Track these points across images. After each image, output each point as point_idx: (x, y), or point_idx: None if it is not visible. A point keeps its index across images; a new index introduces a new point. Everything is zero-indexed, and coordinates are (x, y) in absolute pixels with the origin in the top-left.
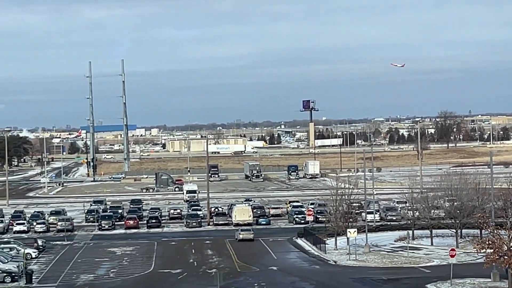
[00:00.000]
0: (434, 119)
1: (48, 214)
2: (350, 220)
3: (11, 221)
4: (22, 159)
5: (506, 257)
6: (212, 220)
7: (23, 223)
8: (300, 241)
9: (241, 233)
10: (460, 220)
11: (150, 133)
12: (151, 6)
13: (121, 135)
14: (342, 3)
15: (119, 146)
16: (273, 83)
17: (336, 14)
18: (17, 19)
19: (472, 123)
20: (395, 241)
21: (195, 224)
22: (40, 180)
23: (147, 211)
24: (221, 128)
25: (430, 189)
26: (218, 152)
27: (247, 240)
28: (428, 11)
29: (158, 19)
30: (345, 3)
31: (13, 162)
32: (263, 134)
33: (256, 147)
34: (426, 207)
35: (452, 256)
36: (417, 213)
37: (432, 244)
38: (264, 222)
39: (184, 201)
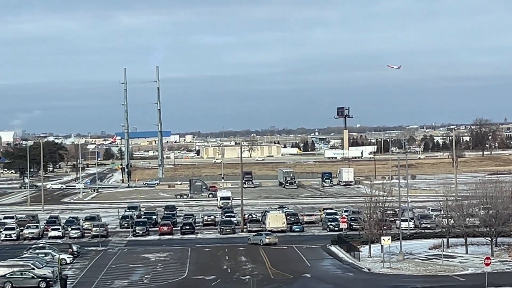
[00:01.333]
0: (469, 127)
1: (82, 220)
2: (384, 227)
3: (46, 227)
4: (57, 165)
5: None
6: (245, 226)
7: (58, 229)
8: (334, 248)
9: (267, 237)
10: (495, 229)
11: (185, 140)
12: (187, 13)
13: (155, 141)
14: (378, 10)
15: (154, 152)
16: (307, 89)
17: (372, 20)
18: (56, 25)
19: (508, 131)
20: (429, 249)
21: (228, 230)
22: (75, 186)
23: (181, 218)
24: (255, 134)
25: (465, 197)
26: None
27: (272, 245)
28: (466, 17)
29: (194, 25)
30: (381, 10)
31: (48, 168)
32: (297, 141)
33: (289, 154)
34: (461, 215)
35: (487, 264)
36: (451, 221)
37: (467, 253)
38: (298, 229)
39: (218, 207)
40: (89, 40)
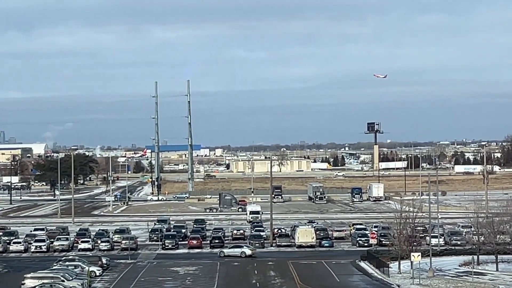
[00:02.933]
0: (500, 143)
1: (112, 233)
2: (414, 243)
3: (76, 239)
4: (88, 178)
5: None
6: (275, 241)
7: (88, 241)
8: (363, 264)
9: (249, 249)
10: None
11: (215, 153)
12: (221, 27)
13: (185, 155)
14: (412, 25)
15: (184, 166)
16: (338, 104)
17: (405, 36)
18: (91, 39)
19: None
20: (459, 266)
21: (258, 244)
22: (105, 199)
23: (211, 231)
24: (285, 149)
25: (495, 214)
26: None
27: (253, 256)
28: (500, 33)
29: (227, 40)
30: (415, 25)
31: (79, 180)
32: (327, 156)
33: (319, 169)
34: (491, 232)
35: None
36: (482, 238)
37: (497, 270)
38: (327, 244)
39: (247, 221)
40: (123, 53)
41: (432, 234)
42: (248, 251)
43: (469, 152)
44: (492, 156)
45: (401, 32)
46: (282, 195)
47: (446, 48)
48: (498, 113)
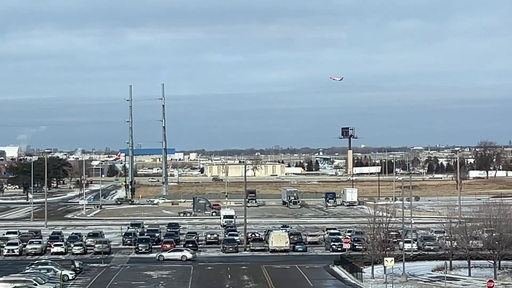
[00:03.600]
0: (473, 149)
1: (85, 236)
2: (388, 248)
3: (49, 243)
4: (61, 181)
5: None
6: (248, 245)
7: (61, 245)
8: (337, 269)
9: (189, 252)
10: (498, 251)
11: (189, 157)
12: (198, 31)
13: (159, 158)
14: (387, 31)
15: (158, 169)
16: (313, 109)
17: (381, 41)
18: (66, 41)
19: None
20: (432, 271)
21: (231, 249)
22: (78, 202)
23: (184, 235)
24: (259, 153)
25: (468, 219)
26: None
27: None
28: (475, 39)
29: (203, 43)
30: (390, 31)
31: (52, 184)
32: (301, 161)
33: (293, 173)
34: (464, 237)
35: (490, 287)
36: (455, 243)
37: (470, 275)
38: (301, 249)
39: (221, 226)
40: (98, 57)
41: (405, 239)
42: (188, 255)
43: (443, 158)
44: (466, 161)
45: (378, 37)
46: (256, 200)
47: (422, 53)
48: (472, 118)
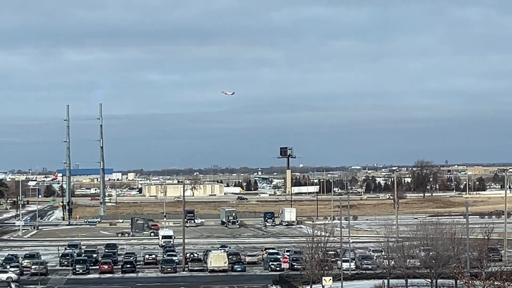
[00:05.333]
0: (410, 168)
1: (22, 258)
2: (326, 268)
3: None
4: None
5: None
6: (187, 266)
7: None
8: None
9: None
10: (435, 270)
11: (127, 177)
12: (134, 51)
13: (97, 178)
14: (324, 51)
15: (96, 190)
16: (252, 128)
17: (317, 61)
18: (2, 60)
19: (449, 173)
20: None
21: (170, 269)
22: (14, 223)
23: (122, 256)
24: (198, 173)
25: (406, 238)
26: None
27: None
28: (411, 59)
29: (140, 63)
30: (328, 51)
31: None
32: (240, 180)
33: (232, 193)
34: (401, 256)
35: None
36: (392, 262)
37: None
38: (240, 269)
39: (159, 246)
40: (35, 76)
41: (343, 258)
42: (14, 276)
43: (380, 177)
44: (403, 181)
45: (314, 57)
46: (195, 220)
47: (358, 73)
48: (409, 138)
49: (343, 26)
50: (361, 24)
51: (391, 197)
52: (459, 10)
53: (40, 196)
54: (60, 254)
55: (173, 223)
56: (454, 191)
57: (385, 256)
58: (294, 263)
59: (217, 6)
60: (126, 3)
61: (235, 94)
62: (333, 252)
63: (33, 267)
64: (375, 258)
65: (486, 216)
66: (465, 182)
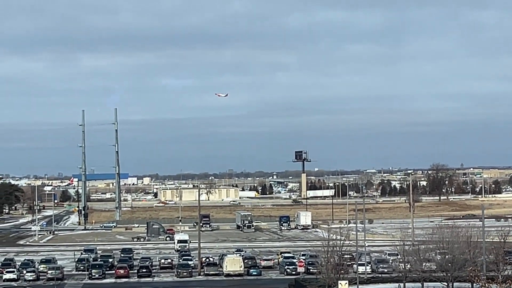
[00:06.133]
0: (426, 172)
1: (38, 263)
2: (342, 271)
3: (0, 269)
4: (13, 207)
5: None
6: (203, 270)
7: (13, 271)
8: None
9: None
10: (451, 273)
11: (142, 182)
12: (150, 56)
13: (113, 183)
14: (340, 55)
15: (111, 194)
16: (267, 132)
17: (333, 65)
18: (18, 65)
19: (464, 176)
20: None
21: (185, 274)
22: (31, 228)
23: (138, 260)
24: (213, 177)
25: (421, 242)
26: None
27: None
28: (426, 63)
29: (156, 68)
30: (343, 54)
31: (4, 210)
32: (255, 184)
33: (247, 197)
34: (417, 259)
35: None
36: (408, 266)
37: None
38: (255, 273)
39: (175, 250)
40: (51, 81)
41: (359, 262)
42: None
43: (396, 181)
44: (418, 184)
45: (330, 61)
46: (210, 224)
47: (374, 77)
48: (424, 141)
49: (358, 29)
50: (376, 27)
51: (406, 201)
52: (474, 13)
53: (56, 201)
54: (76, 259)
55: (189, 228)
56: (469, 194)
57: (401, 260)
58: (310, 267)
59: (232, 11)
60: (141, 8)
61: (252, 98)
62: (348, 256)
63: (49, 272)
64: (391, 261)
65: (502, 219)
66: (480, 185)
